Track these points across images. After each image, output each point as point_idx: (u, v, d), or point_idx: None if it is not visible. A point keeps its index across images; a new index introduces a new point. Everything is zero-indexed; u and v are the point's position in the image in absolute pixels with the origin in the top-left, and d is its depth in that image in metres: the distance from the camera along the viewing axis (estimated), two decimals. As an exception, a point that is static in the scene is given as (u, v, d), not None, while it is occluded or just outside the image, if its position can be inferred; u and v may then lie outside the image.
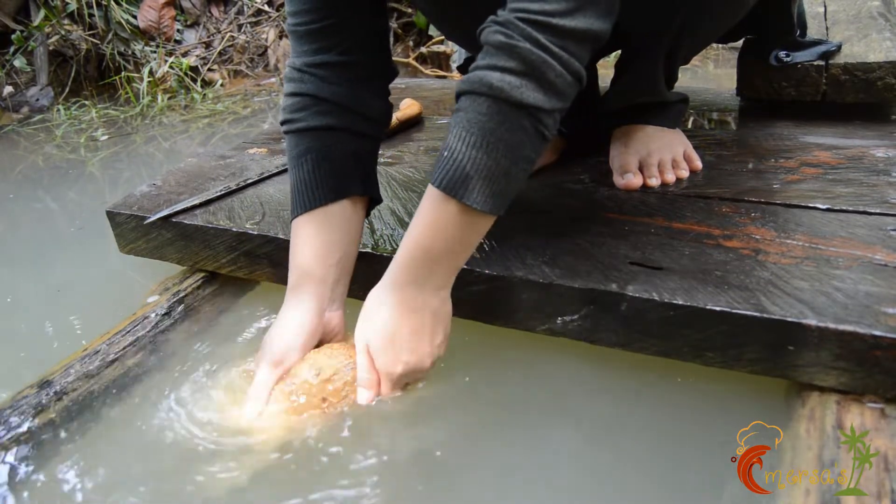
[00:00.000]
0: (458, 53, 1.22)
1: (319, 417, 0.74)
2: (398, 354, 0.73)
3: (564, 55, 0.65)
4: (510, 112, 0.65)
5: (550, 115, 0.67)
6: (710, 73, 2.38)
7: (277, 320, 0.81)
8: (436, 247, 0.70)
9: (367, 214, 0.88)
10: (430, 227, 0.70)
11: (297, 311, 0.80)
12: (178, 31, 2.94)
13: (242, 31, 3.02)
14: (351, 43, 0.82)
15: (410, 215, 0.96)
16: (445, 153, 0.67)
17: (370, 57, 0.84)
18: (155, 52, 2.78)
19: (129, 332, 0.94)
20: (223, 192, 1.10)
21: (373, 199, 0.87)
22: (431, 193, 0.69)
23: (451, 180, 0.66)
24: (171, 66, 2.73)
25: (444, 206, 0.68)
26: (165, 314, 0.98)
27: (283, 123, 0.84)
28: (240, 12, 3.06)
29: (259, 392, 0.76)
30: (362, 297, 0.86)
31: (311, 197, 0.81)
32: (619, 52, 1.03)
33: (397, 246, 0.88)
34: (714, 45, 2.38)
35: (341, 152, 0.82)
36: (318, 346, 0.81)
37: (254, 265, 0.99)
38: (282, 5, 3.02)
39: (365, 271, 0.85)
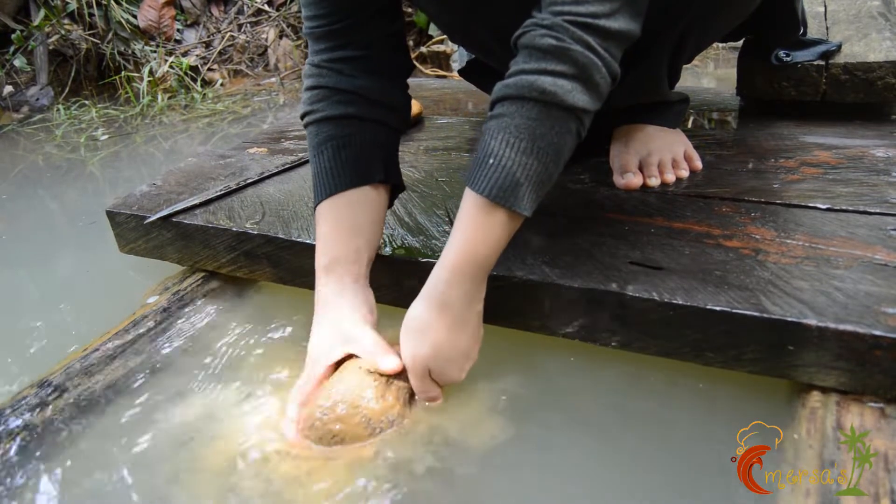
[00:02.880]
0: (458, 54, 1.21)
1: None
2: (461, 366, 0.74)
3: (608, 56, 0.65)
4: (561, 116, 0.65)
5: (590, 116, 0.67)
6: (710, 73, 2.38)
7: (320, 320, 0.79)
8: (484, 256, 0.68)
9: (391, 204, 0.87)
10: (479, 238, 0.67)
11: (337, 313, 0.78)
12: (178, 30, 2.94)
13: (242, 30, 3.02)
14: (368, 42, 0.82)
15: (410, 215, 0.96)
16: (491, 160, 0.65)
17: (387, 55, 0.85)
18: (155, 51, 2.78)
19: (128, 332, 0.94)
20: (223, 192, 1.10)
21: (395, 188, 0.87)
22: (476, 202, 0.66)
23: (501, 188, 0.65)
24: (171, 66, 2.73)
25: (491, 215, 0.66)
26: (165, 314, 0.98)
27: (303, 117, 0.84)
28: (240, 12, 3.06)
29: (291, 405, 0.76)
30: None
31: (332, 183, 0.79)
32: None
33: (397, 246, 0.88)
34: (714, 44, 2.38)
35: (362, 139, 0.81)
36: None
37: (254, 265, 0.99)
38: (282, 5, 3.02)
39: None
